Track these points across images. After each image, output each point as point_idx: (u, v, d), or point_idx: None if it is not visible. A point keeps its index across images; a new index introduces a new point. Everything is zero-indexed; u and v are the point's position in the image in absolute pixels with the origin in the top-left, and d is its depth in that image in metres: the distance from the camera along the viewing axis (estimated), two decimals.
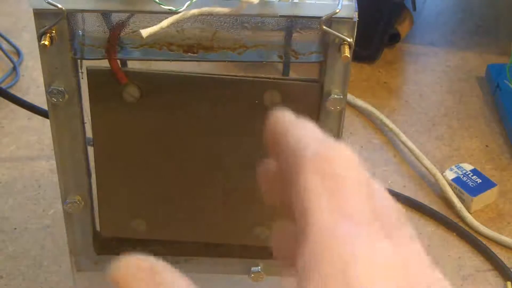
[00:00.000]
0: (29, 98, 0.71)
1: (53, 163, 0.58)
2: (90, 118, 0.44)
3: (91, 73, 0.42)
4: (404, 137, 0.74)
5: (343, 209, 0.23)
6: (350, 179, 0.24)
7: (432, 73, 0.85)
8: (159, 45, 0.42)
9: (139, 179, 0.47)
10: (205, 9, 0.38)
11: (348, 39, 0.40)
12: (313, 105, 0.43)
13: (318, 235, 0.22)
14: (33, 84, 0.80)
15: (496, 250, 0.63)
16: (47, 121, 0.45)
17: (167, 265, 0.25)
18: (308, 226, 0.23)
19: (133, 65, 0.45)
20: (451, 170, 0.69)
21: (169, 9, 0.38)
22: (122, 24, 0.41)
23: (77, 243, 0.49)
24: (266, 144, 0.30)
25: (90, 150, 0.46)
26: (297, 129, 0.28)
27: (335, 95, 0.42)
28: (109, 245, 0.50)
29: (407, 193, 0.69)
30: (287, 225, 0.28)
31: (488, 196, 0.68)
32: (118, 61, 0.42)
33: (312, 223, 0.23)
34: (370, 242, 0.22)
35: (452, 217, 0.67)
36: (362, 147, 0.74)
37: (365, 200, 0.24)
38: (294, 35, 0.42)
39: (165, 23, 0.38)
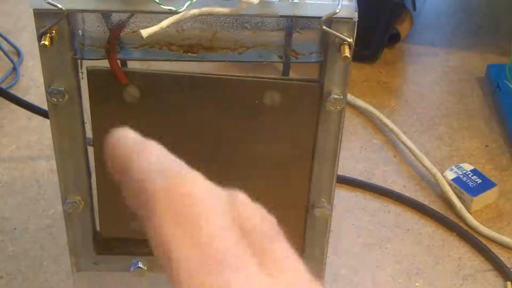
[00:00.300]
0: (29, 98, 0.72)
1: (53, 163, 0.58)
2: (90, 118, 0.44)
3: (91, 73, 0.42)
4: (404, 137, 0.73)
5: (209, 257, 0.21)
6: (207, 216, 0.22)
7: (432, 73, 0.85)
8: (159, 45, 0.42)
9: None
10: (205, 9, 0.38)
11: (348, 39, 0.40)
12: (313, 105, 0.43)
13: None
14: (33, 84, 0.80)
15: (496, 250, 0.63)
16: (47, 121, 0.45)
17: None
18: (179, 282, 0.21)
19: (133, 65, 0.45)
20: (451, 170, 0.69)
21: (169, 9, 0.38)
22: (122, 24, 0.41)
23: (77, 243, 0.49)
24: (108, 164, 0.27)
25: (90, 150, 0.46)
26: (143, 154, 0.25)
27: (335, 95, 0.42)
28: (109, 245, 0.50)
29: (407, 193, 0.69)
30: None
31: (488, 196, 0.68)
32: (118, 61, 0.42)
33: (183, 280, 0.21)
34: (244, 284, 0.21)
35: (452, 217, 0.67)
36: (362, 147, 0.74)
37: (229, 235, 0.22)
38: (294, 35, 0.43)
39: (165, 23, 0.38)
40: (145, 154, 0.25)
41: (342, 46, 0.40)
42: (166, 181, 0.23)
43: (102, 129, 0.45)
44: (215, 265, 0.21)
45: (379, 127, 0.77)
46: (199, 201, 0.23)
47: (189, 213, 0.22)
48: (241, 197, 0.25)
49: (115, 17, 0.41)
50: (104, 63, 0.42)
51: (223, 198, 0.24)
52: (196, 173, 0.24)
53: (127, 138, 0.27)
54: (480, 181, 0.68)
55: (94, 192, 0.47)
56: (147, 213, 0.23)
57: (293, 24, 0.42)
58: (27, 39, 0.87)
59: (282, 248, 0.23)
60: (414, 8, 0.89)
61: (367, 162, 0.72)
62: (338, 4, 0.39)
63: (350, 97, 0.79)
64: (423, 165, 0.70)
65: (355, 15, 0.40)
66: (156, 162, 0.25)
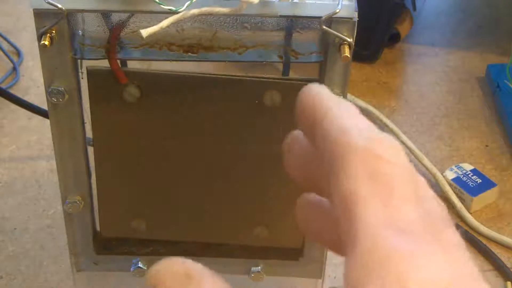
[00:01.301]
0: (29, 98, 0.72)
1: (53, 163, 0.58)
2: (90, 118, 0.44)
3: (91, 73, 0.42)
4: (404, 137, 0.73)
5: (396, 221, 0.21)
6: (400, 181, 0.22)
7: (432, 73, 0.85)
8: (159, 45, 0.42)
9: (139, 179, 0.47)
10: (205, 9, 0.38)
11: (348, 39, 0.40)
12: None
13: (372, 250, 0.20)
14: (33, 84, 0.80)
15: (496, 250, 0.63)
16: (47, 121, 0.45)
17: (206, 270, 0.23)
18: (358, 237, 0.21)
19: (133, 65, 0.45)
20: (451, 170, 0.69)
21: (169, 9, 0.38)
22: (122, 24, 0.41)
23: (77, 243, 0.49)
24: (298, 120, 0.27)
25: (90, 150, 0.46)
26: (340, 111, 0.25)
27: (335, 95, 0.42)
28: (109, 245, 0.50)
29: None
30: (314, 201, 0.27)
31: (488, 196, 0.68)
32: (118, 61, 0.42)
33: (364, 234, 0.21)
34: (426, 259, 0.21)
35: (452, 217, 0.66)
36: None
37: (415, 207, 0.22)
38: (294, 35, 0.42)
39: (165, 23, 0.38)
40: (342, 107, 0.25)
41: (342, 46, 0.40)
42: (366, 140, 0.23)
43: (102, 129, 0.45)
44: (401, 231, 0.21)
45: (379, 127, 0.77)
46: (397, 166, 0.23)
47: (384, 174, 0.22)
48: (425, 182, 0.25)
49: (115, 17, 0.41)
50: (104, 63, 0.42)
51: (416, 176, 0.24)
52: (395, 140, 0.24)
53: (322, 91, 0.26)
54: (480, 181, 0.68)
55: (94, 192, 0.47)
56: (336, 166, 0.23)
57: (293, 24, 0.42)
58: (27, 39, 0.87)
59: (456, 235, 0.23)
60: (414, 8, 0.89)
61: None
62: (338, 4, 0.39)
63: (350, 97, 0.79)
64: (423, 165, 0.70)
65: (355, 15, 0.40)
66: (353, 117, 0.24)
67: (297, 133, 0.28)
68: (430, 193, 0.25)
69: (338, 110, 0.25)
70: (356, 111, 0.25)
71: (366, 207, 0.21)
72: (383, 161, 0.22)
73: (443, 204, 0.25)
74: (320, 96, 0.26)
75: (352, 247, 0.21)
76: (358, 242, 0.21)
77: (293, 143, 0.28)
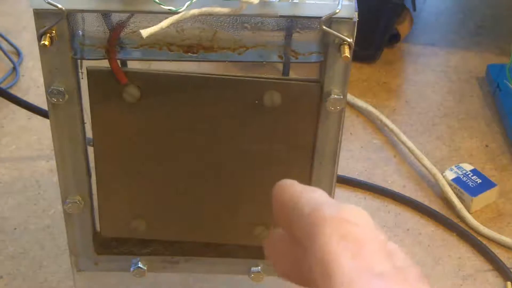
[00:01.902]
0: (29, 98, 0.72)
1: (53, 163, 0.58)
2: (90, 118, 0.44)
3: (91, 73, 0.42)
4: (404, 137, 0.74)
5: (368, 266, 0.24)
6: (368, 239, 0.26)
7: (432, 73, 0.85)
8: (159, 45, 0.42)
9: (139, 179, 0.47)
10: (205, 9, 0.38)
11: (348, 39, 0.40)
12: (313, 105, 0.43)
13: None
14: (33, 84, 0.81)
15: (496, 250, 0.63)
16: (47, 121, 0.45)
17: None
18: (336, 285, 0.24)
19: (133, 65, 0.45)
20: (451, 170, 0.69)
21: (169, 9, 0.38)
22: (122, 24, 0.41)
23: (77, 243, 0.49)
24: (276, 216, 0.31)
25: (90, 150, 0.46)
26: (309, 193, 0.29)
27: (335, 95, 0.42)
28: (109, 245, 0.50)
29: (407, 193, 0.69)
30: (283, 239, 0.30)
31: (488, 196, 0.68)
32: (118, 61, 0.42)
33: (341, 281, 0.24)
34: None
35: (452, 217, 0.67)
36: (362, 147, 0.74)
37: (385, 259, 0.25)
38: (294, 35, 0.42)
39: (165, 23, 0.38)
40: (312, 191, 0.30)
41: (342, 46, 0.40)
42: (334, 209, 0.27)
43: (102, 129, 0.45)
44: (374, 274, 0.24)
45: (379, 127, 0.77)
46: (364, 227, 0.26)
47: (353, 234, 0.26)
48: (397, 247, 0.28)
49: (115, 17, 0.41)
50: (104, 63, 0.42)
51: (382, 236, 0.27)
52: (361, 208, 0.28)
53: (293, 183, 0.31)
54: (480, 181, 0.68)
55: (94, 192, 0.47)
56: (312, 235, 0.26)
57: (293, 24, 0.42)
58: (27, 39, 0.87)
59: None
60: (414, 8, 0.89)
61: (367, 162, 0.72)
62: (338, 4, 0.39)
63: (350, 97, 0.79)
64: (423, 165, 0.70)
65: (355, 15, 0.40)
66: (322, 197, 0.29)
67: (277, 232, 0.32)
68: (402, 255, 0.28)
69: (307, 194, 0.29)
70: (322, 192, 0.29)
71: (340, 260, 0.25)
72: (351, 224, 0.26)
73: (417, 266, 0.28)
74: (291, 185, 0.31)
75: None
76: None
77: (272, 245, 0.32)
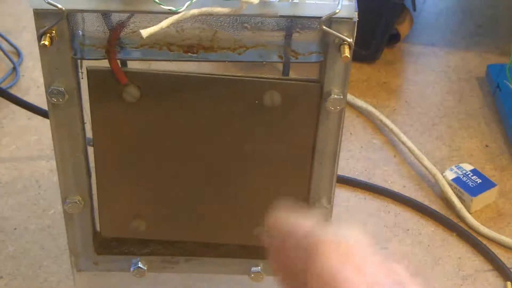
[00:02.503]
0: (29, 98, 0.72)
1: (53, 163, 0.58)
2: (90, 118, 0.44)
3: (91, 73, 0.42)
4: (404, 137, 0.74)
5: (374, 280, 0.25)
6: (369, 257, 0.27)
7: (432, 73, 0.85)
8: (159, 45, 0.42)
9: (139, 179, 0.47)
10: (205, 9, 0.38)
11: (348, 39, 0.40)
12: (313, 105, 0.43)
13: None
14: (33, 84, 0.81)
15: (496, 250, 0.63)
16: (47, 121, 0.45)
17: None
18: None
19: (133, 65, 0.45)
20: (451, 170, 0.69)
21: (169, 9, 0.38)
22: (122, 24, 0.41)
23: (77, 243, 0.49)
24: (270, 236, 0.32)
25: (90, 150, 0.46)
26: (303, 220, 0.30)
27: (335, 95, 0.42)
28: (109, 245, 0.50)
29: (407, 193, 0.69)
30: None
31: (488, 196, 0.68)
32: (118, 61, 0.42)
33: None
34: None
35: (452, 217, 0.67)
36: (362, 147, 0.74)
37: (387, 273, 0.26)
38: (294, 35, 0.43)
39: (165, 23, 0.38)
40: (303, 220, 0.31)
41: (342, 46, 0.40)
42: (329, 233, 0.28)
43: (102, 129, 0.45)
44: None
45: (379, 127, 0.77)
46: (361, 247, 0.27)
47: (352, 252, 0.27)
48: (395, 265, 0.29)
49: (115, 17, 0.41)
50: (104, 63, 0.42)
51: (379, 257, 0.28)
52: (355, 229, 0.29)
53: (285, 216, 0.32)
54: (480, 181, 0.68)
55: (94, 192, 0.47)
56: (312, 256, 0.27)
57: (293, 24, 0.42)
58: (27, 39, 0.87)
59: None
60: (414, 8, 0.89)
61: (367, 162, 0.72)
62: (338, 4, 0.39)
63: (350, 97, 0.79)
64: (423, 165, 0.70)
65: (355, 15, 0.40)
66: (314, 223, 0.30)
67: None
68: (403, 272, 0.28)
69: (301, 221, 0.30)
70: (315, 218, 0.30)
71: (345, 274, 0.26)
72: (348, 244, 0.27)
73: (409, 273, 0.29)
74: (285, 219, 0.32)
75: None
76: None
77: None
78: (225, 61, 0.43)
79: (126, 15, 0.41)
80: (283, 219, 0.32)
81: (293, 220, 0.31)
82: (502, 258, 0.62)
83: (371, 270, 0.26)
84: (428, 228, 0.66)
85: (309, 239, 0.28)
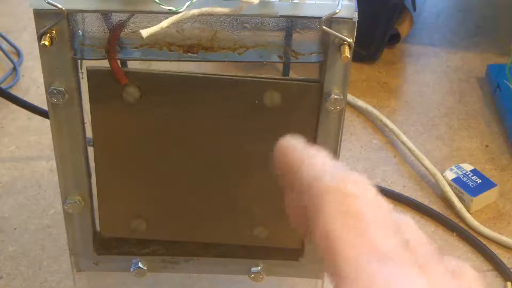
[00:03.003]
0: (29, 98, 0.72)
1: (53, 163, 0.58)
2: (90, 118, 0.44)
3: (91, 73, 0.42)
4: (404, 137, 0.74)
5: (373, 250, 0.23)
6: (373, 215, 0.24)
7: (432, 73, 0.85)
8: (159, 45, 0.42)
9: (139, 179, 0.47)
10: (205, 9, 0.38)
11: (348, 39, 0.40)
12: (313, 105, 0.43)
13: (356, 280, 0.22)
14: (33, 84, 0.81)
15: (496, 250, 0.63)
16: (47, 121, 0.45)
17: None
18: (342, 270, 0.23)
19: (133, 65, 0.45)
20: (451, 170, 0.69)
21: (169, 9, 0.38)
22: (122, 24, 0.41)
23: (77, 243, 0.49)
24: (278, 174, 0.30)
25: (90, 150, 0.46)
26: (311, 159, 0.28)
27: (335, 95, 0.42)
28: (109, 245, 0.50)
29: (407, 193, 0.69)
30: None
31: (488, 196, 0.68)
32: (118, 61, 0.42)
33: (347, 267, 0.23)
34: (408, 281, 0.22)
35: (452, 217, 0.67)
36: (362, 147, 0.74)
37: (392, 235, 0.24)
38: (294, 35, 0.42)
39: (165, 23, 0.38)
40: (314, 157, 0.28)
41: (342, 46, 0.40)
42: (334, 180, 0.25)
43: (102, 129, 0.45)
44: (380, 258, 0.22)
45: (379, 127, 0.77)
46: (366, 201, 0.25)
47: (356, 210, 0.24)
48: (409, 219, 0.26)
49: (115, 17, 0.41)
50: (104, 63, 0.42)
51: (388, 209, 0.25)
52: (364, 178, 0.26)
53: (296, 145, 0.30)
54: (480, 181, 0.68)
55: (94, 192, 0.47)
56: (314, 208, 0.25)
57: (293, 24, 0.42)
58: (27, 39, 0.87)
59: (444, 268, 0.24)
60: (414, 8, 0.89)
61: (367, 162, 0.72)
62: (338, 4, 0.39)
63: (350, 97, 0.79)
64: (423, 165, 0.70)
65: (355, 15, 0.40)
66: (324, 164, 0.27)
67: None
68: (413, 227, 0.26)
69: (309, 160, 0.28)
70: (325, 155, 0.28)
71: (344, 243, 0.23)
72: (353, 198, 0.24)
73: (429, 240, 0.26)
74: (293, 149, 0.30)
75: (338, 280, 0.23)
76: (342, 275, 0.22)
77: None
78: (225, 61, 0.43)
79: (126, 15, 0.41)
80: (292, 153, 0.29)
81: (301, 159, 0.28)
82: (502, 258, 0.62)
83: (374, 234, 0.23)
84: (428, 228, 0.66)
85: (313, 186, 0.26)
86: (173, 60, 0.43)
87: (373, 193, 0.25)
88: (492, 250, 0.63)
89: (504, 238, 0.64)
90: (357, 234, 0.23)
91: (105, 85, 0.43)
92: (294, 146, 0.30)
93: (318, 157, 0.28)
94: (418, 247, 0.24)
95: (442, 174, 0.69)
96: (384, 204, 0.25)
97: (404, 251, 0.23)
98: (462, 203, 0.67)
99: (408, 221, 0.26)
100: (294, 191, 0.28)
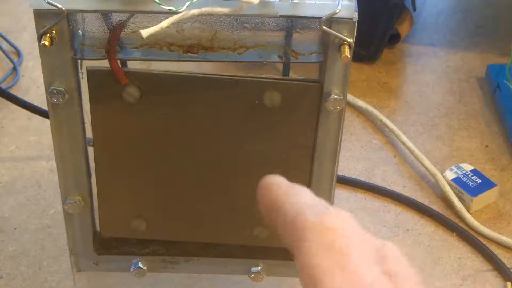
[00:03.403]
0: (29, 98, 0.72)
1: (53, 163, 0.58)
2: (90, 118, 0.44)
3: (91, 73, 0.42)
4: (404, 138, 0.74)
5: (356, 282, 0.24)
6: (355, 247, 0.25)
7: (432, 73, 0.85)
8: (159, 45, 0.42)
9: (139, 179, 0.47)
10: (205, 9, 0.38)
11: (348, 39, 0.40)
12: (313, 105, 0.43)
13: None
14: (33, 84, 0.81)
15: (496, 250, 0.63)
16: (47, 121, 0.45)
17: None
18: None
19: (133, 65, 0.45)
20: (451, 170, 0.69)
21: (169, 9, 0.38)
22: (122, 24, 0.41)
23: (77, 243, 0.49)
24: (261, 210, 0.31)
25: (90, 150, 0.46)
26: (293, 197, 0.29)
27: (335, 95, 0.42)
28: (109, 245, 0.50)
29: (407, 193, 0.69)
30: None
31: (488, 196, 0.68)
32: (118, 62, 0.42)
33: None
34: None
35: (452, 217, 0.67)
36: (362, 147, 0.74)
37: (374, 265, 0.25)
38: (294, 35, 0.43)
39: (165, 23, 0.38)
40: (297, 194, 0.29)
41: (342, 46, 0.40)
42: (317, 216, 0.26)
43: (102, 129, 0.45)
44: None
45: (379, 127, 0.77)
46: (350, 236, 0.25)
47: (338, 244, 0.25)
48: (390, 245, 0.27)
49: (115, 17, 0.41)
50: (104, 63, 0.42)
51: (370, 240, 0.26)
52: (345, 212, 0.27)
53: (280, 183, 0.31)
54: (480, 181, 0.68)
55: (94, 192, 0.47)
56: (297, 243, 0.26)
57: (293, 24, 0.42)
58: (27, 39, 0.87)
59: None
60: (414, 9, 0.89)
61: (367, 162, 0.72)
62: (338, 4, 0.39)
63: (350, 97, 0.79)
64: (423, 165, 0.70)
65: (355, 15, 0.40)
66: (307, 201, 0.28)
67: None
68: (397, 256, 0.27)
69: (293, 197, 0.29)
70: (308, 192, 0.29)
71: (328, 277, 0.24)
72: (335, 231, 0.25)
73: (415, 269, 0.27)
74: (277, 186, 0.30)
75: None
76: None
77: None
78: (225, 61, 0.43)
79: (126, 15, 0.41)
80: (275, 191, 0.30)
81: (284, 196, 0.29)
82: (502, 258, 0.62)
83: (357, 266, 0.24)
84: (428, 228, 0.66)
85: (296, 221, 0.27)
86: (173, 60, 0.43)
87: (354, 226, 0.26)
88: (492, 250, 0.63)
89: (504, 238, 0.64)
90: (340, 268, 0.24)
91: (105, 85, 0.43)
92: (279, 184, 0.31)
93: (302, 194, 0.29)
94: (400, 272, 0.25)
95: (442, 174, 0.69)
96: (366, 235, 0.26)
97: (386, 280, 0.24)
98: (462, 203, 0.67)
99: (390, 246, 0.27)
100: (278, 227, 0.29)
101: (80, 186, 0.46)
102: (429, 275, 0.61)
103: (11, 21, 0.90)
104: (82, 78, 0.43)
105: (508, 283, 0.61)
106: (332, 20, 0.39)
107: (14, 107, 0.71)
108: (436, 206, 0.68)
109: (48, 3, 0.38)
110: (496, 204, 0.68)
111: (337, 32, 0.40)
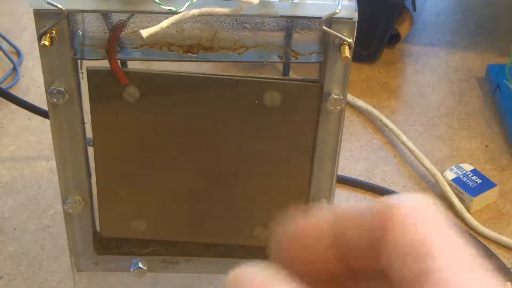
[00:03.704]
0: (29, 98, 0.72)
1: (53, 163, 0.58)
2: (90, 118, 0.44)
3: (91, 73, 0.42)
4: (404, 138, 0.74)
5: (465, 263, 0.23)
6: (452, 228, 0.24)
7: (432, 73, 0.85)
8: (159, 45, 0.42)
9: (139, 179, 0.47)
10: (205, 9, 0.38)
11: (348, 40, 0.40)
12: (313, 105, 0.43)
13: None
14: (33, 84, 0.81)
15: (496, 250, 0.63)
16: (47, 121, 0.45)
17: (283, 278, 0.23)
18: (435, 280, 0.22)
19: (133, 65, 0.45)
20: (451, 170, 0.69)
21: (169, 9, 0.38)
22: (122, 24, 0.41)
23: (77, 243, 0.49)
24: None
25: (90, 150, 0.46)
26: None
27: (335, 95, 0.42)
28: (109, 245, 0.50)
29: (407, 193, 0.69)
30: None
31: (488, 197, 0.68)
32: (118, 62, 0.42)
33: (441, 276, 0.22)
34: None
35: (452, 217, 0.67)
36: (362, 147, 0.74)
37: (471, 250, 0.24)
38: (294, 35, 0.43)
39: (165, 23, 0.38)
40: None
41: (342, 46, 0.40)
42: (410, 199, 0.25)
43: (102, 129, 0.45)
44: (470, 271, 0.22)
45: (379, 127, 0.77)
46: (442, 217, 0.24)
47: (433, 217, 0.23)
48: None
49: (115, 17, 0.41)
50: (104, 63, 0.42)
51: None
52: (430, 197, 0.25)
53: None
54: (480, 181, 0.68)
55: (94, 192, 0.47)
56: (381, 231, 0.24)
57: (293, 24, 0.42)
58: (27, 39, 0.87)
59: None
60: (414, 9, 0.89)
61: (367, 162, 0.72)
62: (338, 4, 0.39)
63: (350, 97, 0.79)
64: (423, 165, 0.70)
65: (355, 15, 0.40)
66: None
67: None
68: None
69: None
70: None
71: (440, 253, 0.23)
72: (426, 209, 0.24)
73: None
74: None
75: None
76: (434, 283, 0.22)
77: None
78: (225, 61, 0.43)
79: (126, 15, 0.41)
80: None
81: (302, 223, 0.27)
82: (502, 258, 0.62)
83: (462, 250, 0.23)
84: None
85: (375, 214, 0.24)
86: (173, 60, 0.43)
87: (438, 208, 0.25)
88: (492, 250, 0.63)
89: (504, 238, 0.64)
90: (440, 232, 0.23)
91: (105, 85, 0.43)
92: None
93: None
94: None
95: (442, 174, 0.69)
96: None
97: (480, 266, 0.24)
98: (462, 203, 0.67)
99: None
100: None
101: (80, 186, 0.46)
102: None
103: (11, 21, 0.90)
104: (82, 78, 0.43)
105: (508, 283, 0.61)
106: (332, 20, 0.39)
107: (14, 107, 0.71)
108: None
109: (48, 3, 0.38)
110: (496, 204, 0.68)
111: (337, 32, 0.40)
